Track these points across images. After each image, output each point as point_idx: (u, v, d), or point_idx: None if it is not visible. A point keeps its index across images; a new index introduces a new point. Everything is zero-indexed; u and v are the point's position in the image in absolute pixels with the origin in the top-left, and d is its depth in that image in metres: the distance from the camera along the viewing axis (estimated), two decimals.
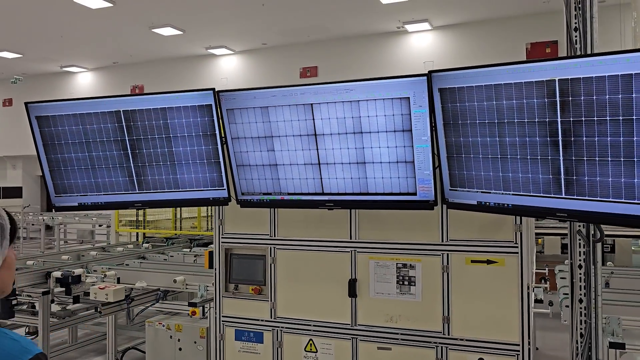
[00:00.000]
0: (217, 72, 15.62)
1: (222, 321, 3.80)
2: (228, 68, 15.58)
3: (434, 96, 2.77)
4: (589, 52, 2.95)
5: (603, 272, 4.64)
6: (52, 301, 5.01)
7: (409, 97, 2.80)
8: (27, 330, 5.62)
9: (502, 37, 12.45)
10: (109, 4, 11.21)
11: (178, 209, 9.11)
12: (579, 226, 2.95)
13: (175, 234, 8.70)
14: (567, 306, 3.28)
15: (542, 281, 4.49)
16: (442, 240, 3.23)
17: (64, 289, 5.07)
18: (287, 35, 13.71)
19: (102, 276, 4.88)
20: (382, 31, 13.48)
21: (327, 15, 12.27)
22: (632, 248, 8.18)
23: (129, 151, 3.36)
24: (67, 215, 12.79)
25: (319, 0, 11.29)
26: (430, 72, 2.74)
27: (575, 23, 2.95)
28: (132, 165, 3.39)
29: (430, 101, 2.78)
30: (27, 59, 15.87)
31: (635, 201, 2.25)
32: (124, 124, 3.31)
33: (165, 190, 3.42)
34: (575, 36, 2.95)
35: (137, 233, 8.49)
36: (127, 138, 3.34)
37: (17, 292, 4.88)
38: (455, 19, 12.79)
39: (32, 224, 13.57)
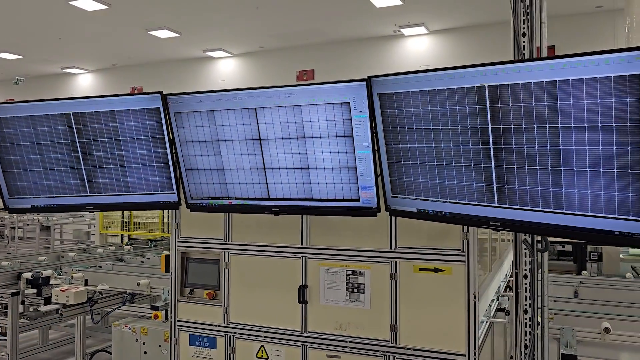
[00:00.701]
0: (215, 74, 15.67)
1: (177, 326, 3.77)
2: (226, 70, 15.62)
3: (374, 101, 2.73)
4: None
5: (572, 281, 4.58)
6: (23, 302, 5.01)
7: (349, 102, 2.77)
8: None
9: (500, 41, 12.32)
10: (104, 6, 11.28)
11: (165, 210, 9.12)
12: (525, 235, 2.89)
13: (162, 237, 8.71)
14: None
15: (508, 289, 4.41)
16: (391, 248, 3.18)
17: (35, 290, 5.09)
18: (284, 38, 13.73)
19: (70, 278, 4.87)
20: (378, 35, 13.46)
21: (324, 19, 12.27)
22: (620, 256, 8.06)
23: (80, 154, 3.35)
24: (62, 215, 12.84)
25: (314, 5, 11.28)
26: (370, 77, 2.71)
27: (524, 28, 2.90)
28: (82, 167, 3.38)
29: (370, 106, 2.74)
30: (28, 60, 16.02)
31: (563, 211, 2.20)
32: (74, 126, 3.30)
33: (116, 193, 3.41)
34: (524, 42, 2.90)
35: (122, 235, 8.50)
36: (77, 140, 3.33)
37: None
38: (452, 23, 12.73)
39: (27, 224, 13.64)
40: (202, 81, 15.52)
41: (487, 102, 2.31)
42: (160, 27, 12.82)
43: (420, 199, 2.71)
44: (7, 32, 13.25)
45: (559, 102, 2.10)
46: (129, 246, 7.29)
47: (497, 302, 4.11)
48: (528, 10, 2.90)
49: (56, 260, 6.20)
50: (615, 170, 2.04)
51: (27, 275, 5.03)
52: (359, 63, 13.58)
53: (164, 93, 3.18)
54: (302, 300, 3.36)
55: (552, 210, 2.23)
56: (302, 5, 11.29)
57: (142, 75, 16.48)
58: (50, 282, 4.88)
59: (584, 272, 5.46)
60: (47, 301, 4.99)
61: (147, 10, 11.61)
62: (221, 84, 15.16)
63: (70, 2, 11.01)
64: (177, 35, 13.34)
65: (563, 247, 9.51)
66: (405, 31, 13.12)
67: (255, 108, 2.97)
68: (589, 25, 11.17)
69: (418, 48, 13.45)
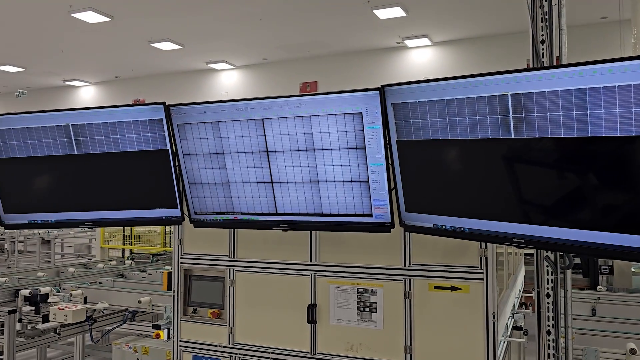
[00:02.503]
0: (218, 86, 15.62)
1: (180, 346, 3.61)
2: (229, 83, 15.57)
3: (388, 112, 2.60)
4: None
5: (589, 297, 4.41)
6: (20, 320, 4.85)
7: (361, 113, 2.64)
8: None
9: (503, 53, 12.25)
10: (106, 19, 11.24)
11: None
12: (547, 252, 2.74)
13: (164, 251, 8.55)
14: None
15: (523, 307, 4.25)
16: (405, 265, 3.03)
17: (33, 307, 4.93)
18: (287, 50, 13.67)
19: (69, 295, 4.72)
20: (382, 47, 13.39)
21: (327, 30, 12.21)
22: (632, 269, 7.87)
23: (79, 167, 3.22)
24: (63, 229, 12.69)
25: (318, 17, 11.23)
26: (383, 86, 2.58)
27: (542, 35, 2.78)
28: (81, 181, 3.24)
29: (384, 117, 2.61)
30: (30, 72, 15.99)
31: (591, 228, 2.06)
32: (72, 138, 3.18)
33: (117, 209, 3.27)
34: (543, 49, 2.77)
35: (123, 249, 8.35)
36: (76, 153, 3.20)
37: None
38: (455, 35, 12.66)
39: (28, 238, 13.49)
40: (204, 93, 15.46)
41: (510, 111, 2.17)
42: (162, 39, 12.78)
43: (437, 214, 2.57)
44: (10, 44, 13.22)
45: (588, 111, 1.97)
46: (130, 261, 7.14)
47: (513, 319, 3.95)
48: (547, 17, 2.77)
49: (55, 276, 6.04)
50: None
51: (25, 292, 4.87)
52: (363, 75, 13.50)
53: (167, 104, 3.06)
54: (311, 319, 3.20)
55: (580, 227, 2.09)
56: (305, 17, 11.24)
57: (144, 87, 16.44)
58: (49, 300, 4.72)
59: (599, 287, 5.27)
60: (46, 319, 4.83)
61: (150, 22, 11.56)
62: (224, 96, 15.10)
63: (72, 15, 10.97)
64: (180, 47, 13.30)
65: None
66: (409, 43, 13.06)
67: (262, 119, 2.84)
68: (593, 36, 11.07)
69: (421, 59, 13.38)
